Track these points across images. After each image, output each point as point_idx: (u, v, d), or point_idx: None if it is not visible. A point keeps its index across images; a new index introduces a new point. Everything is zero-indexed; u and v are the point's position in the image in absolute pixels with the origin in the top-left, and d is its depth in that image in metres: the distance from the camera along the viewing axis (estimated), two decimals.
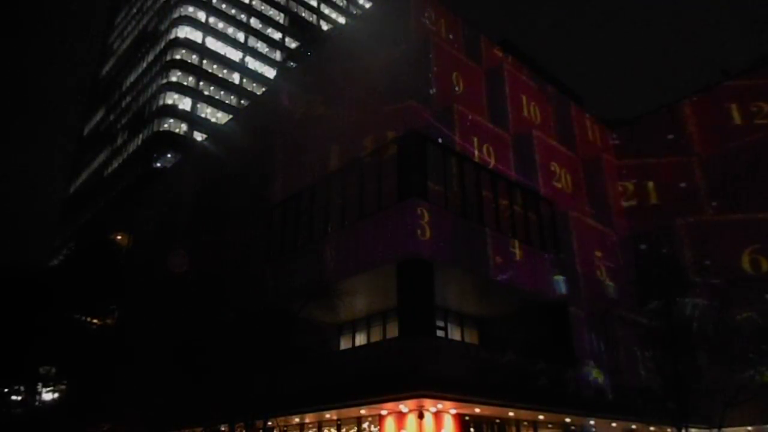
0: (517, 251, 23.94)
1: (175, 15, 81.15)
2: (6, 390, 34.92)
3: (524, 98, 28.63)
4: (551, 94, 31.91)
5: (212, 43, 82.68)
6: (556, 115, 31.19)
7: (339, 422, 22.32)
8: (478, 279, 22.55)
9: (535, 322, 24.44)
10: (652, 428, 24.93)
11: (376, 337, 25.12)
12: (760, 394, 21.18)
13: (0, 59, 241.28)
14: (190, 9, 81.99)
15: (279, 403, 19.29)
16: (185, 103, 77.22)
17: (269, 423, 20.39)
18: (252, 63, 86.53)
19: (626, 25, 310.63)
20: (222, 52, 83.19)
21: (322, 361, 23.34)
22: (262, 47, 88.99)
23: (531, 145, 26.91)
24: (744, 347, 21.34)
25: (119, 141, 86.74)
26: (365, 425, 21.12)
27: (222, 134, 43.64)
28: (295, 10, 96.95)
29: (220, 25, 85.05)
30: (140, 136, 78.93)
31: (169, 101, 76.25)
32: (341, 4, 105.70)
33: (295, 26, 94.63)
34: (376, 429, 20.44)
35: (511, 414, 21.34)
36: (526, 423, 22.72)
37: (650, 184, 32.56)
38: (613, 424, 23.97)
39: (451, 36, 26.73)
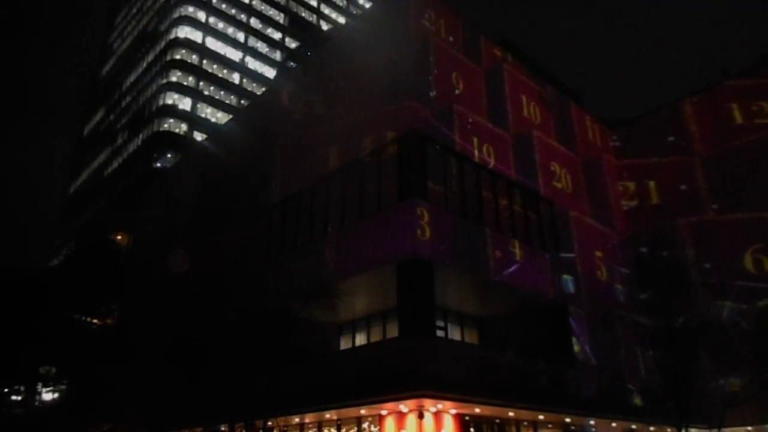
0: (517, 251, 23.93)
1: (175, 15, 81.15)
2: (6, 390, 34.89)
3: (524, 98, 28.62)
4: (551, 94, 31.90)
5: (212, 43, 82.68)
6: (556, 115, 31.18)
7: (339, 422, 22.31)
8: (478, 279, 22.54)
9: (535, 322, 24.44)
10: (652, 428, 24.92)
11: (376, 337, 25.11)
12: (760, 394, 21.16)
13: (0, 59, 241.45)
14: (190, 9, 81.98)
15: (279, 403, 19.29)
16: (185, 103, 77.22)
17: (269, 423, 20.39)
18: (252, 63, 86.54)
19: (626, 25, 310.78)
20: (222, 52, 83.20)
21: (322, 361, 23.32)
22: (262, 47, 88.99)
23: (531, 145, 26.90)
24: (744, 347, 21.33)
25: (119, 141, 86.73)
26: (365, 425, 21.11)
27: (222, 134, 43.64)
28: (295, 10, 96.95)
29: (220, 25, 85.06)
30: (140, 136, 78.92)
31: (169, 101, 76.25)
32: (341, 4, 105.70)
33: (295, 26, 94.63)
34: (376, 429, 20.43)
35: (511, 414, 21.32)
36: (526, 423, 22.70)
37: (651, 184, 32.56)
38: (613, 424, 23.95)
39: (450, 36, 26.73)
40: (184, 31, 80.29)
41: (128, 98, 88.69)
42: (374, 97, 24.06)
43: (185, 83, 77.96)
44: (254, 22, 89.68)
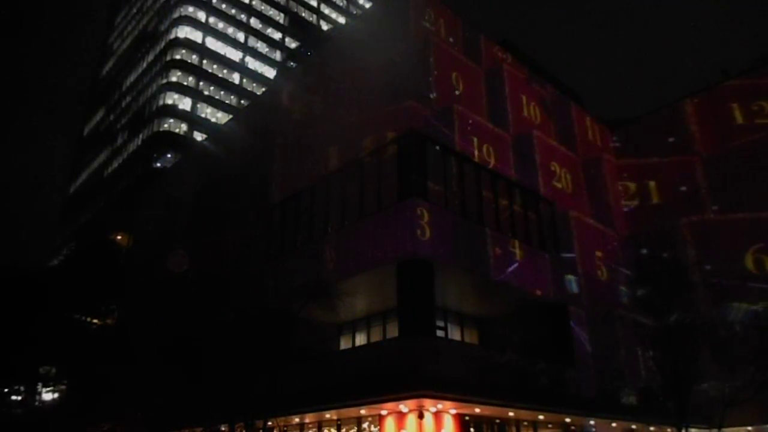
0: (517, 251, 23.92)
1: (175, 15, 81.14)
2: (6, 390, 34.87)
3: (524, 98, 28.62)
4: (551, 94, 31.89)
5: (212, 43, 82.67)
6: (556, 115, 31.17)
7: (339, 422, 22.31)
8: (478, 279, 22.53)
9: (535, 322, 24.43)
10: (652, 428, 24.92)
11: (376, 337, 25.11)
12: (760, 394, 21.15)
13: (0, 59, 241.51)
14: (190, 9, 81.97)
15: (279, 403, 19.29)
16: (185, 103, 77.21)
17: (269, 423, 20.39)
18: (252, 63, 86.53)
19: (626, 25, 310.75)
20: (222, 52, 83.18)
21: (322, 361, 23.31)
22: (262, 47, 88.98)
23: (531, 145, 26.90)
24: (744, 347, 21.32)
25: (119, 141, 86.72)
26: (365, 425, 21.11)
27: (222, 134, 43.63)
28: (295, 10, 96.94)
29: (220, 25, 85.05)
30: (140, 136, 78.90)
31: (169, 101, 76.24)
32: (341, 4, 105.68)
33: (295, 26, 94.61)
34: (376, 429, 20.43)
35: (511, 414, 21.32)
36: (526, 423, 22.70)
37: (651, 184, 32.54)
38: (613, 424, 23.95)
39: (450, 36, 26.73)
40: (184, 31, 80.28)
41: (128, 98, 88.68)
42: (374, 97, 24.06)
43: (185, 83, 77.95)
44: (254, 22, 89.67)
